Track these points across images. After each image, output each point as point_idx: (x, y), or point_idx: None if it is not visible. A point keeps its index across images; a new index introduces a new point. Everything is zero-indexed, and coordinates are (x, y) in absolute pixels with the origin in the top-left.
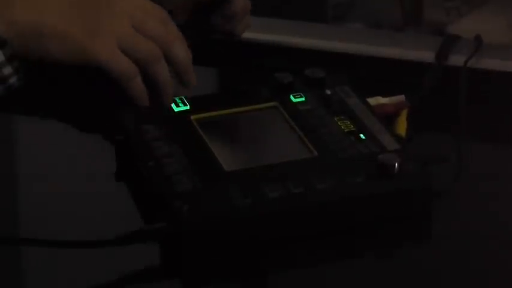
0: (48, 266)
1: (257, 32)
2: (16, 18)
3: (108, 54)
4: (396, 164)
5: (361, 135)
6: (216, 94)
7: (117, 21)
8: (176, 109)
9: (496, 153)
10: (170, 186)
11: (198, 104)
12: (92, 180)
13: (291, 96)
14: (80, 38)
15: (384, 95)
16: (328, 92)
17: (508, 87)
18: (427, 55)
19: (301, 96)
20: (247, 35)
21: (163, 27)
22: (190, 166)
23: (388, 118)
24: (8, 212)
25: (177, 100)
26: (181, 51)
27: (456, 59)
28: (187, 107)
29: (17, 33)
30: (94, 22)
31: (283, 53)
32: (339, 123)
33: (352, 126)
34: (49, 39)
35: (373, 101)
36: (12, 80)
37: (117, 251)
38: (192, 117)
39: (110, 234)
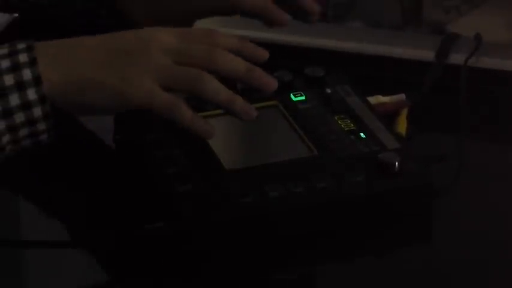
0: (48, 266)
1: (257, 30)
2: (54, 75)
3: (143, 95)
4: (396, 163)
5: (362, 134)
6: None
7: (154, 60)
8: None
9: (496, 152)
10: (171, 186)
11: (198, 103)
12: (92, 180)
13: (291, 95)
14: (115, 86)
15: (384, 94)
16: (329, 90)
17: (508, 85)
18: (427, 54)
19: (301, 95)
20: (247, 34)
21: (207, 49)
22: (190, 165)
23: (388, 117)
24: (8, 212)
25: None
26: (228, 64)
27: (456, 58)
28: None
29: (55, 88)
30: (129, 67)
31: (283, 51)
32: (339, 122)
33: (352, 125)
34: (86, 91)
35: (373, 99)
36: (43, 136)
37: (117, 251)
38: None
39: (109, 234)
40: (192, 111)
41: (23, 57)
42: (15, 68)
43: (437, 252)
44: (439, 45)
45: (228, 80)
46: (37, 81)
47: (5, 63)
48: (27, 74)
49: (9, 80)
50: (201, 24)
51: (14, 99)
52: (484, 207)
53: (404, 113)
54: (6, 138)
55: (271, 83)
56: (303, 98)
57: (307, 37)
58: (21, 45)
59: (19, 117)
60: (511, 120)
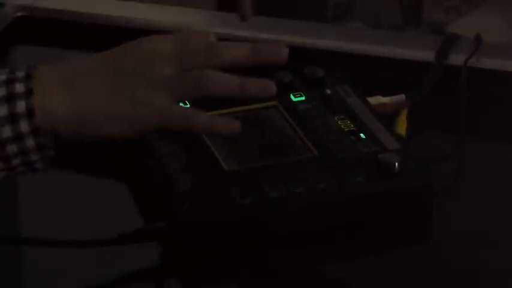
0: (48, 266)
1: (257, 31)
2: (54, 105)
3: (158, 116)
4: (396, 164)
5: (361, 135)
6: None
7: (159, 75)
8: None
9: (496, 152)
10: (170, 186)
11: (198, 104)
12: (92, 180)
13: (291, 95)
14: (129, 114)
15: (384, 95)
16: (328, 91)
17: (508, 85)
18: (427, 54)
19: (301, 96)
20: (247, 34)
21: (205, 48)
22: (190, 165)
23: (388, 117)
24: (8, 212)
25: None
26: (229, 52)
27: (456, 58)
28: (187, 107)
29: (59, 120)
30: (136, 89)
31: None
32: (339, 122)
33: (352, 125)
34: (98, 122)
35: (373, 100)
36: (38, 165)
37: (117, 251)
38: None
39: (110, 234)
40: (207, 115)
41: (19, 87)
42: (10, 98)
43: (437, 252)
44: (439, 46)
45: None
46: (30, 112)
47: (1, 92)
48: (21, 106)
49: (2, 110)
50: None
51: (6, 131)
52: (484, 207)
53: (404, 113)
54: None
55: (269, 87)
56: (303, 98)
57: (307, 37)
58: (20, 74)
59: (11, 148)
60: (511, 120)
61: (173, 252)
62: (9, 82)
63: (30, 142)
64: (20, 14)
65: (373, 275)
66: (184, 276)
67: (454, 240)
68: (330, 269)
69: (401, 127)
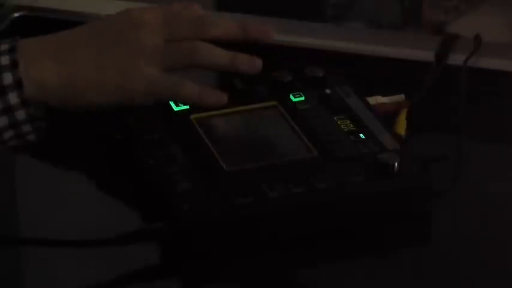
0: (48, 266)
1: None
2: (44, 75)
3: (146, 83)
4: (396, 164)
5: (361, 135)
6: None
7: (146, 46)
8: (176, 108)
9: (496, 152)
10: (170, 186)
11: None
12: (92, 180)
13: (291, 95)
14: (115, 82)
15: (384, 95)
16: (328, 91)
17: (508, 86)
18: (426, 54)
19: (300, 96)
20: None
21: (195, 20)
22: (190, 165)
23: (387, 117)
24: (8, 211)
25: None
26: (218, 26)
27: (456, 58)
28: (187, 106)
29: (49, 90)
30: (123, 59)
31: (283, 52)
32: (338, 122)
33: (351, 125)
34: (86, 91)
35: (372, 100)
36: (31, 137)
37: (117, 251)
38: (192, 116)
39: (110, 234)
40: (197, 86)
41: (4, 60)
42: None
43: (437, 252)
44: (438, 46)
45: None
46: (18, 84)
47: None
48: (8, 78)
49: None
50: None
51: None
52: (484, 207)
53: (403, 113)
54: None
55: (256, 63)
56: (303, 98)
57: (307, 37)
58: (4, 47)
59: (2, 121)
60: (511, 120)
61: (173, 252)
62: None
63: (20, 114)
64: (20, 14)
65: (373, 275)
66: (184, 276)
67: (453, 240)
68: (329, 269)
69: (401, 127)
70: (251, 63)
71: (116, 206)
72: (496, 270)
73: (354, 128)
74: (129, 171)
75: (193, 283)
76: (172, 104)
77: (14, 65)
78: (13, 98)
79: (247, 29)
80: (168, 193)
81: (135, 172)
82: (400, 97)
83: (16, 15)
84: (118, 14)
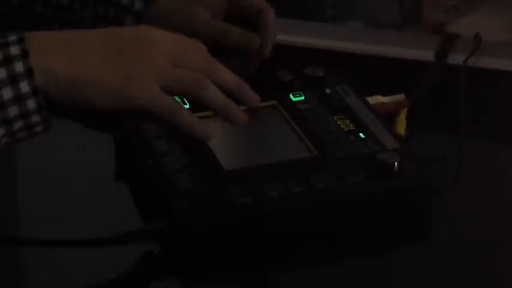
0: (48, 266)
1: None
2: (53, 66)
3: (147, 97)
4: (396, 163)
5: (361, 134)
6: None
7: (155, 62)
8: None
9: (496, 152)
10: (170, 185)
11: (197, 103)
12: (92, 180)
13: (291, 95)
14: (119, 85)
15: (384, 94)
16: (328, 90)
17: (508, 85)
18: (426, 54)
19: (300, 95)
20: None
21: (205, 60)
22: (190, 165)
23: (387, 117)
24: (8, 211)
25: (177, 99)
26: (229, 75)
27: (455, 58)
28: (187, 106)
29: (54, 82)
30: (132, 67)
31: (283, 51)
32: (338, 122)
33: (351, 125)
34: (88, 88)
35: (372, 100)
36: (38, 128)
37: (117, 250)
38: None
39: (110, 234)
40: (192, 115)
41: (14, 50)
42: (7, 61)
43: (437, 252)
44: (438, 45)
45: None
46: (29, 73)
47: None
48: (19, 66)
49: (1, 73)
50: None
51: (7, 93)
52: (484, 207)
53: (403, 113)
54: (1, 131)
55: (241, 119)
56: (303, 98)
57: (307, 37)
58: (12, 37)
59: (13, 111)
60: (510, 120)
61: (173, 252)
62: (3, 46)
63: (31, 103)
64: None
65: (373, 275)
66: (184, 276)
67: (453, 240)
68: (329, 268)
69: (401, 127)
70: (239, 118)
71: (116, 206)
72: (496, 270)
73: (354, 128)
74: (129, 170)
75: (193, 283)
76: None
77: (24, 55)
78: (24, 86)
79: (241, 92)
80: (168, 192)
81: (135, 171)
82: (400, 97)
83: None
84: (137, 28)
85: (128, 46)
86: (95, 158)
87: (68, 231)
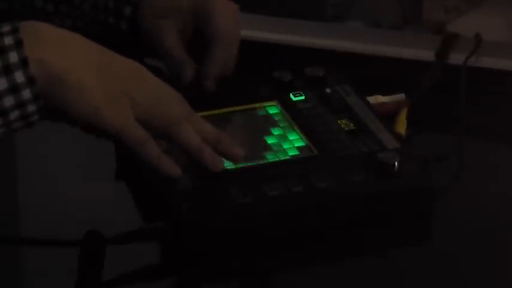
0: (48, 266)
1: (257, 30)
2: (46, 57)
3: (119, 124)
4: (396, 163)
5: (361, 134)
6: (215, 93)
7: (139, 95)
8: None
9: (496, 152)
10: (170, 185)
11: (197, 103)
12: (92, 180)
13: (291, 94)
14: (98, 102)
15: (384, 94)
16: (328, 90)
17: (508, 85)
18: (426, 54)
19: (301, 95)
20: (247, 33)
21: (186, 109)
22: (190, 165)
23: (388, 117)
24: (8, 211)
25: None
26: (209, 126)
27: (456, 58)
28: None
29: (43, 72)
30: (117, 91)
31: (283, 51)
32: (338, 121)
33: (352, 124)
34: (69, 91)
35: (372, 99)
36: (34, 118)
37: (117, 251)
38: None
39: (110, 234)
40: (159, 150)
41: (8, 40)
42: (1, 51)
43: (437, 252)
44: (438, 45)
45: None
46: (24, 62)
47: None
48: (13, 56)
49: None
50: None
51: (2, 83)
52: (484, 207)
53: (403, 112)
54: None
55: (219, 165)
56: (303, 98)
57: (307, 37)
58: (6, 28)
59: (8, 101)
60: (511, 120)
61: (173, 252)
62: None
63: (26, 93)
64: None
65: (373, 275)
66: (184, 276)
67: (453, 240)
68: (329, 268)
69: (401, 126)
70: (214, 163)
71: (116, 206)
72: (496, 270)
73: (354, 127)
74: (129, 170)
75: (193, 283)
76: None
77: (18, 44)
78: (19, 76)
79: (222, 144)
80: (167, 193)
81: (135, 171)
82: (400, 96)
83: None
84: (125, 58)
85: (117, 71)
86: (95, 158)
87: (68, 231)
